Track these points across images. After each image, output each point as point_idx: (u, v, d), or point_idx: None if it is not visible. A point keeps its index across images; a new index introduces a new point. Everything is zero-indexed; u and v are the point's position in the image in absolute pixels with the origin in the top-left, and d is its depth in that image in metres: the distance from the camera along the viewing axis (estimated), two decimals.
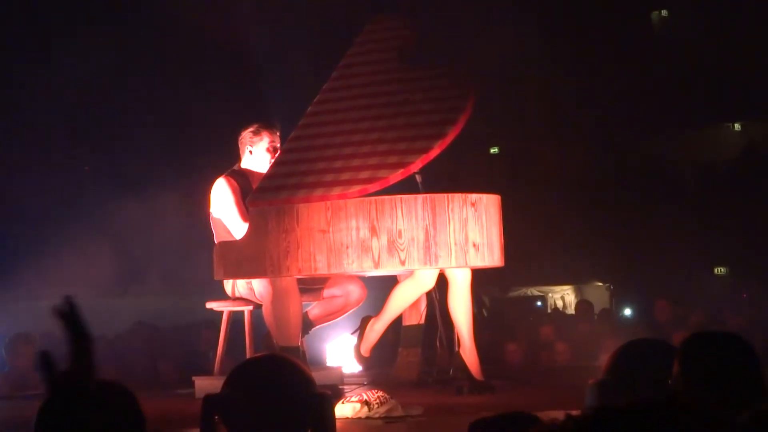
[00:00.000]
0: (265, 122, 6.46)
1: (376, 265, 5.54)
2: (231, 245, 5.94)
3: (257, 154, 6.35)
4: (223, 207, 6.20)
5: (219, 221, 6.23)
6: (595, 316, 10.68)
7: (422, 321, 6.43)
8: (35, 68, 10.90)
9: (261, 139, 6.36)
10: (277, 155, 6.25)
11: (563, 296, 15.34)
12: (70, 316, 2.12)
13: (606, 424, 0.99)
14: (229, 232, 6.14)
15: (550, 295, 15.32)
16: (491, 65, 11.70)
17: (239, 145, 6.43)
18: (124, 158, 11.69)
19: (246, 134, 6.40)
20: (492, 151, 15.39)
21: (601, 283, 15.08)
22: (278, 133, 6.41)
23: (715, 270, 14.19)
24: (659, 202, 13.74)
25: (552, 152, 14.74)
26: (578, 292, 15.08)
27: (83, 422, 2.10)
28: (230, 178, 6.26)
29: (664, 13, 15.84)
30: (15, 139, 11.61)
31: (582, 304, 11.42)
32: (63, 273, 10.89)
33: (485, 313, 11.62)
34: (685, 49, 14.49)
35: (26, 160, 11.59)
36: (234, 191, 6.19)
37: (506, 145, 15.40)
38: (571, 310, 13.51)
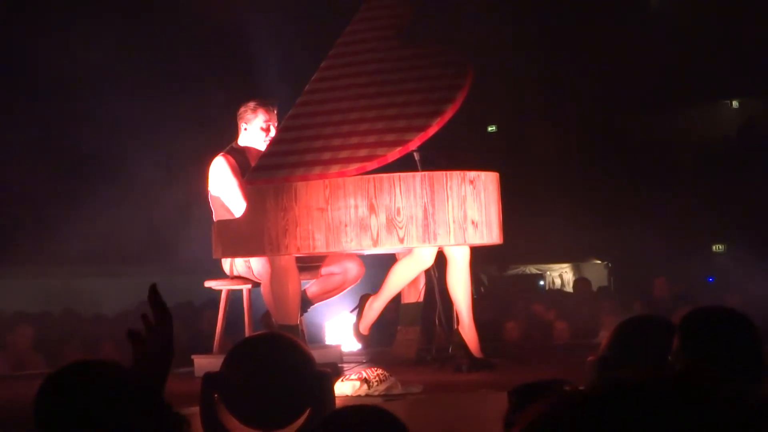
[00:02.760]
0: (262, 100, 6.40)
1: (375, 243, 5.53)
2: (229, 224, 5.93)
3: (251, 131, 6.31)
4: (223, 185, 6.18)
5: (217, 199, 6.21)
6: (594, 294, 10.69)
7: (421, 299, 6.41)
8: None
9: (256, 117, 6.31)
10: (274, 133, 6.23)
11: (561, 274, 15.37)
12: (155, 299, 2.27)
13: (621, 398, 0.97)
14: (227, 210, 6.12)
15: (548, 273, 15.34)
16: (488, 44, 11.66)
17: (237, 121, 6.40)
18: (116, 136, 11.68)
19: (243, 110, 6.36)
20: (489, 129, 15.38)
21: (599, 261, 15.10)
22: (275, 112, 6.37)
23: (714, 247, 14.21)
24: (657, 180, 13.74)
25: (550, 130, 14.73)
26: (576, 270, 15.10)
27: (84, 402, 2.10)
28: (228, 156, 6.24)
29: None
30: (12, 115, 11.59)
31: (580, 281, 11.42)
32: (63, 252, 10.89)
33: (482, 289, 11.63)
34: (682, 26, 14.45)
35: (25, 141, 11.58)
36: (233, 169, 6.17)
37: (504, 124, 15.40)
38: (569, 288, 13.53)
